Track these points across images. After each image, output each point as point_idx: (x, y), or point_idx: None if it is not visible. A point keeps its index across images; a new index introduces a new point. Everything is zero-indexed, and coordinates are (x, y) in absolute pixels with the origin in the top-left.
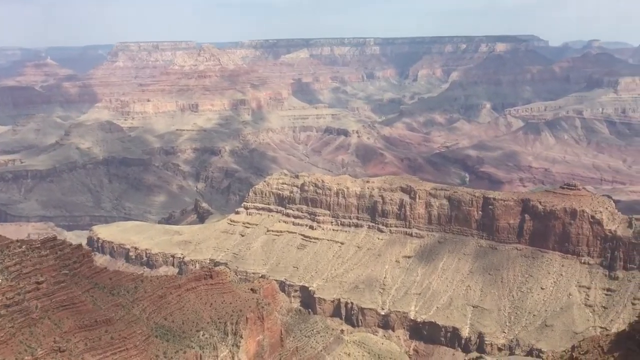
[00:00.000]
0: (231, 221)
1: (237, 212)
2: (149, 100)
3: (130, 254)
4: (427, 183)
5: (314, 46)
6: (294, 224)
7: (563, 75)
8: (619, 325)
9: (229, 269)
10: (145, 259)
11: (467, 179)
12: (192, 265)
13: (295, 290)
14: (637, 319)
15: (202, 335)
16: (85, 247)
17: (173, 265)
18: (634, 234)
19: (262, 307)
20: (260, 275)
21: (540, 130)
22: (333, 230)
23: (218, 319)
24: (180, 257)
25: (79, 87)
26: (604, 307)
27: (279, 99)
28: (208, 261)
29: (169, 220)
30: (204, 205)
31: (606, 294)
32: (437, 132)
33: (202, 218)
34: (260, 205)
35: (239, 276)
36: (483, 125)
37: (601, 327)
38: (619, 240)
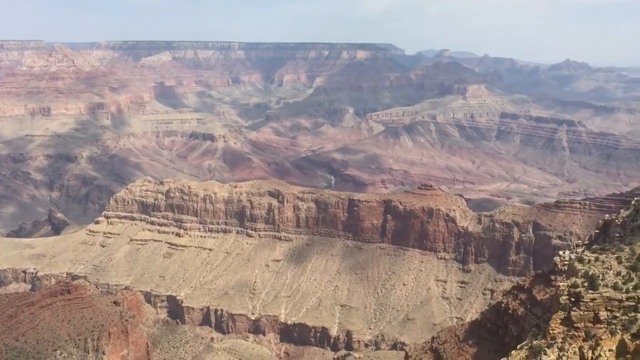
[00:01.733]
0: (90, 231)
1: (97, 222)
2: None
3: None
4: (295, 187)
5: (177, 49)
6: (159, 232)
7: (418, 82)
8: (472, 314)
9: (89, 282)
10: None
11: (333, 182)
12: (47, 280)
13: (162, 301)
14: (487, 308)
15: (60, 355)
16: None
17: (25, 281)
18: (483, 230)
19: (126, 320)
20: (123, 287)
21: (399, 134)
22: (201, 236)
23: (77, 335)
24: (32, 273)
25: None
26: (459, 299)
27: (141, 102)
28: (65, 275)
29: (19, 232)
30: (59, 215)
31: (460, 286)
32: (303, 137)
33: (57, 229)
34: (123, 214)
35: (100, 289)
36: (347, 129)
37: (457, 318)
38: (470, 235)
